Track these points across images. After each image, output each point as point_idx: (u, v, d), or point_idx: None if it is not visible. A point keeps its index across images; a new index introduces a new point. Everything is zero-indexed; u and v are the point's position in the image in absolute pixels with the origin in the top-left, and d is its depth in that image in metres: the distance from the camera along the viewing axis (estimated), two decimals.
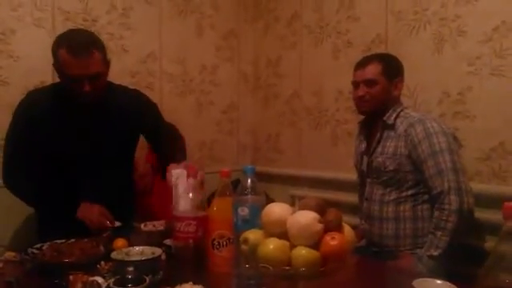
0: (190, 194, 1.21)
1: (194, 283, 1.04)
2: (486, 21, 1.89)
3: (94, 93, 1.54)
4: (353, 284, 1.17)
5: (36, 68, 2.26)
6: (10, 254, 1.35)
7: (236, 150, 3.07)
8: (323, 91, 2.62)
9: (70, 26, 2.36)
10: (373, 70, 1.73)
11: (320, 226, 0.91)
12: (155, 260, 1.22)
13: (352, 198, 2.06)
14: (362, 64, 1.78)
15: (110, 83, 1.72)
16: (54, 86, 1.75)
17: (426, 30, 2.10)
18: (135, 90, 1.89)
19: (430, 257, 1.54)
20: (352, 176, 2.03)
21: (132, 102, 1.76)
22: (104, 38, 2.44)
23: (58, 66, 1.55)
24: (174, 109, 2.75)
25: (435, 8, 2.06)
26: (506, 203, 0.75)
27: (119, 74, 2.52)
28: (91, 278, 0.98)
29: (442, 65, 2.05)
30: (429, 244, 1.56)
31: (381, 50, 2.26)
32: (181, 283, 1.05)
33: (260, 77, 3.07)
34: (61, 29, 2.32)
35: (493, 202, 1.71)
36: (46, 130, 1.59)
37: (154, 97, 2.62)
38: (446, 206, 1.55)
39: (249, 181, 1.14)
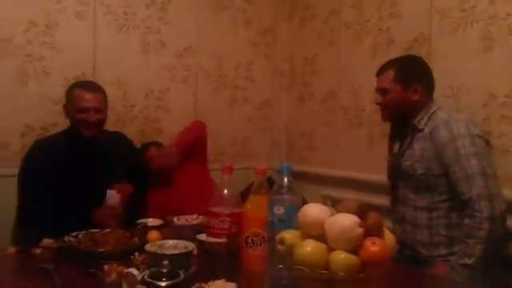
0: (225, 191, 1.20)
1: (227, 280, 1.03)
2: None
3: (97, 125, 1.89)
4: None
5: (77, 60, 2.32)
6: (47, 241, 1.40)
7: (268, 147, 3.05)
8: (361, 90, 2.55)
9: (111, 19, 2.42)
10: (385, 79, 1.73)
11: (360, 230, 0.88)
12: (188, 254, 1.22)
13: (387, 200, 2.00)
14: (378, 72, 1.78)
15: (106, 130, 2.03)
16: (58, 134, 2.01)
17: (473, 28, 2.00)
18: (119, 132, 2.25)
19: (464, 265, 1.46)
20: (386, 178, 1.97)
21: (122, 142, 2.15)
22: (142, 31, 2.51)
23: (70, 103, 1.91)
24: (207, 104, 2.76)
25: (483, 6, 1.96)
26: None
27: (156, 67, 2.57)
28: (126, 270, 0.98)
29: (489, 65, 1.94)
30: (462, 253, 1.49)
31: (424, 48, 2.18)
32: (213, 279, 1.04)
33: (295, 74, 3.03)
34: (102, 22, 2.39)
35: None
36: (52, 170, 1.82)
37: (188, 91, 2.70)
38: (477, 214, 1.46)
39: (285, 179, 1.11)
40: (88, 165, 1.91)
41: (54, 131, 2.10)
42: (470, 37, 2.01)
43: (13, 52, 2.18)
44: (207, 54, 2.75)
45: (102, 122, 1.94)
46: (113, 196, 1.76)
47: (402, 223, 1.72)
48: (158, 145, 2.35)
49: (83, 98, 1.87)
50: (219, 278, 1.05)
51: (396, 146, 1.79)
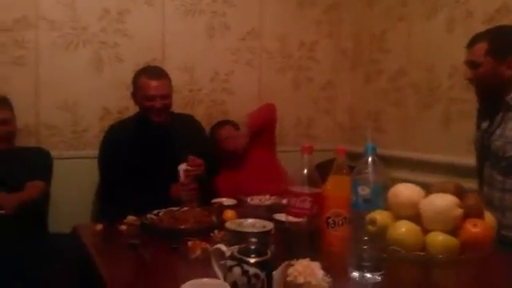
0: (305, 171, 1.18)
1: (311, 259, 1.02)
2: None
3: (164, 111, 1.96)
4: (495, 276, 1.06)
5: (147, 46, 2.40)
6: (131, 218, 1.47)
7: (332, 129, 2.99)
8: (434, 67, 2.40)
9: (178, 4, 2.46)
10: (477, 52, 1.60)
11: (460, 211, 0.83)
12: (268, 233, 1.23)
13: (465, 184, 1.88)
14: (469, 44, 1.66)
15: (172, 111, 2.10)
16: (129, 118, 2.12)
17: None
18: (191, 116, 2.32)
19: None
20: (464, 160, 1.85)
21: (191, 125, 2.22)
22: (208, 16, 2.53)
23: (137, 90, 1.99)
24: (271, 85, 2.75)
25: None
26: None
27: (221, 51, 2.59)
28: (215, 246, 1.00)
29: None
30: None
31: (507, 20, 2.00)
32: (295, 259, 1.03)
33: (361, 52, 2.92)
34: (169, 7, 2.43)
35: None
36: (128, 152, 1.93)
37: (252, 74, 2.70)
38: None
39: (369, 159, 1.08)
40: (159, 146, 1.98)
41: (128, 114, 2.20)
42: None
43: (88, 39, 2.29)
44: (271, 35, 2.72)
45: (169, 107, 2.00)
46: (184, 170, 1.83)
47: (488, 206, 1.61)
48: (232, 123, 2.40)
49: (149, 86, 1.93)
50: (300, 258, 1.04)
51: (485, 124, 1.67)
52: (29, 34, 2.19)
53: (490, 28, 1.70)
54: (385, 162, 2.63)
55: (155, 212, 1.54)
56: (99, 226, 1.43)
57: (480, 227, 0.82)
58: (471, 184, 1.77)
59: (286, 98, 2.79)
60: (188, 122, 2.22)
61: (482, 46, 1.59)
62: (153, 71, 2.01)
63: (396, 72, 2.64)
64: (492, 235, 0.85)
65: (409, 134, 2.58)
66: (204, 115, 2.52)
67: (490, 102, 1.66)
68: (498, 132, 1.58)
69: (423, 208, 0.85)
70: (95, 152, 2.05)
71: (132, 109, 2.18)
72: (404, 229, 0.84)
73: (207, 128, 2.40)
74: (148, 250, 1.25)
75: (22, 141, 2.10)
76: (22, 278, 1.55)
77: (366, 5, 2.85)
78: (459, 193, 0.86)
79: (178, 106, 2.34)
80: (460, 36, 2.18)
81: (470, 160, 1.82)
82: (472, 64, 1.63)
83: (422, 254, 0.82)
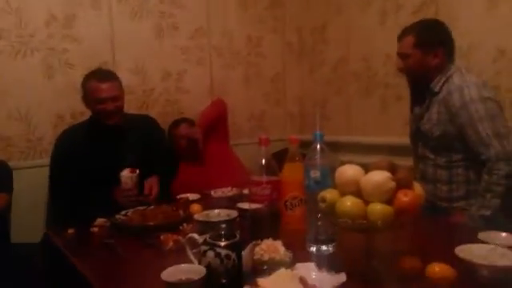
0: (263, 161, 1.32)
1: (273, 239, 1.16)
2: None
3: (116, 113, 1.96)
4: (424, 236, 1.26)
5: (97, 49, 2.41)
6: (100, 220, 1.54)
7: (283, 119, 3.15)
8: (371, 56, 2.62)
9: (125, 7, 2.49)
10: (405, 44, 1.76)
11: (393, 184, 0.99)
12: (234, 220, 1.36)
13: (403, 161, 2.08)
14: (398, 37, 1.81)
15: (125, 113, 2.08)
16: (81, 123, 2.12)
17: None
18: (146, 116, 2.33)
19: (481, 216, 1.58)
20: (401, 140, 2.06)
21: (146, 125, 2.20)
22: (156, 17, 2.59)
23: (87, 95, 1.98)
24: (223, 81, 2.85)
25: None
26: None
27: (171, 50, 2.65)
28: (189, 235, 1.11)
29: (497, 21, 2.01)
30: (479, 204, 1.60)
31: (431, 11, 2.24)
32: (262, 239, 1.17)
33: (305, 45, 3.09)
34: (117, 11, 2.46)
35: None
36: (80, 157, 1.94)
37: (204, 71, 2.79)
38: (495, 172, 1.56)
39: (318, 146, 1.23)
40: (112, 149, 1.99)
41: (82, 119, 2.21)
42: None
43: (37, 46, 2.27)
44: (218, 33, 2.82)
45: (121, 108, 2.00)
46: (125, 177, 1.82)
47: (422, 179, 1.83)
48: (187, 121, 2.46)
49: (99, 88, 1.92)
50: (264, 238, 1.18)
51: (417, 109, 1.86)
52: None
53: (416, 21, 1.85)
54: (332, 146, 2.86)
55: (123, 212, 1.62)
56: (71, 230, 1.49)
57: (409, 196, 0.99)
58: (408, 161, 1.99)
59: (238, 92, 2.92)
60: (143, 121, 2.23)
61: (409, 39, 1.75)
62: (102, 74, 2.00)
63: (337, 62, 2.85)
64: (420, 202, 1.03)
65: (352, 119, 2.80)
66: (159, 115, 2.57)
67: (419, 88, 1.83)
68: (426, 116, 1.77)
69: (363, 184, 1.01)
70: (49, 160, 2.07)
71: (87, 113, 2.19)
72: (349, 203, 1.00)
73: (164, 127, 2.46)
74: (122, 248, 1.34)
75: None
76: None
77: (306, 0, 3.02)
78: (392, 168, 1.03)
79: (132, 108, 2.39)
80: (392, 27, 2.41)
81: (406, 140, 2.03)
82: (402, 55, 1.79)
83: (364, 222, 0.98)
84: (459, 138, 1.67)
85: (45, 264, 1.62)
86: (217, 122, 2.45)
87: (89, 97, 1.97)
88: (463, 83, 1.66)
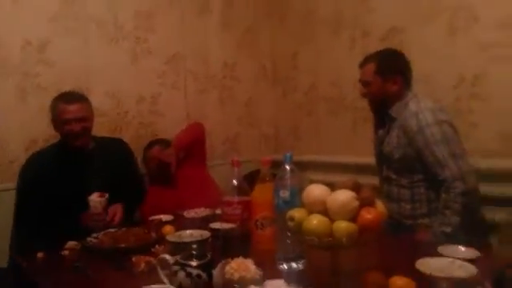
0: (234, 181, 1.35)
1: (244, 257, 1.19)
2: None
3: (83, 134, 1.96)
4: (387, 251, 1.31)
5: (72, 74, 2.42)
6: (72, 243, 1.53)
7: (258, 141, 3.21)
8: (340, 81, 2.73)
9: (101, 33, 2.52)
10: (367, 71, 1.87)
11: (357, 203, 1.05)
12: (206, 241, 1.37)
13: (370, 180, 2.15)
14: (360, 64, 1.92)
15: (96, 136, 2.11)
16: (50, 146, 2.10)
17: (441, 17, 2.20)
18: (118, 139, 2.31)
19: (443, 233, 1.65)
20: (368, 159, 2.14)
21: (116, 149, 2.19)
22: (131, 42, 2.63)
23: (55, 117, 1.97)
24: (198, 105, 2.90)
25: None
26: None
27: (147, 74, 2.69)
28: (160, 256, 1.13)
29: (457, 50, 2.15)
30: (441, 221, 1.67)
31: (398, 38, 2.37)
32: (232, 258, 1.19)
33: (278, 70, 3.19)
34: (93, 37, 2.49)
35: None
36: (48, 181, 1.91)
37: (179, 95, 2.84)
38: (452, 190, 1.65)
39: (287, 167, 1.28)
40: (80, 173, 1.97)
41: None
42: (437, 26, 2.20)
43: (10, 71, 2.27)
44: (194, 58, 2.88)
45: (87, 129, 2.00)
46: (94, 202, 1.81)
47: (388, 199, 1.91)
48: (162, 142, 2.46)
49: (66, 110, 1.93)
50: (235, 257, 1.20)
51: (380, 132, 1.96)
52: None
53: (377, 51, 1.95)
54: (304, 166, 2.94)
55: (94, 235, 1.61)
56: (40, 254, 1.47)
57: (372, 214, 1.05)
58: (375, 180, 2.06)
59: (213, 115, 2.96)
60: (113, 145, 2.21)
61: (370, 67, 1.86)
62: (69, 95, 2.00)
63: (309, 87, 2.95)
64: (382, 219, 1.08)
65: (322, 139, 2.89)
66: (133, 137, 2.58)
67: (381, 113, 1.93)
68: (386, 139, 1.87)
69: (329, 203, 1.06)
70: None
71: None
72: (315, 221, 1.04)
73: (139, 150, 2.47)
74: (93, 271, 1.33)
75: None
76: None
77: (278, 28, 3.14)
78: (356, 188, 1.08)
79: (105, 130, 2.40)
80: (360, 53, 2.52)
81: (373, 159, 2.10)
82: (364, 82, 1.89)
83: (330, 239, 1.02)
84: (418, 159, 1.75)
85: None
86: (192, 145, 2.46)
87: (56, 118, 1.96)
88: (418, 109, 1.76)
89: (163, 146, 2.43)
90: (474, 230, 1.72)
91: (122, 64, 2.61)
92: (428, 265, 1.08)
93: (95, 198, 1.81)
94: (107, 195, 1.84)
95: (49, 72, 2.37)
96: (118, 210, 1.89)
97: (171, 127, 2.65)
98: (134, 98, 2.67)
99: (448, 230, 1.64)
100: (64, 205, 1.85)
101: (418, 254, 1.13)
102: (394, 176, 1.87)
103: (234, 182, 1.35)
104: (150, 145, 2.47)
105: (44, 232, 1.79)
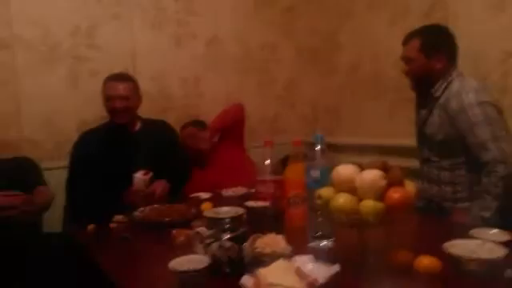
0: (268, 161, 1.40)
1: (276, 234, 1.24)
2: None
3: (124, 112, 2.06)
4: (413, 232, 1.32)
5: (119, 58, 2.55)
6: (119, 217, 1.66)
7: (296, 122, 3.23)
8: (381, 60, 2.67)
9: (145, 18, 2.63)
10: (410, 48, 1.82)
11: (384, 182, 1.07)
12: (241, 217, 1.43)
13: (412, 163, 2.13)
14: (403, 41, 1.87)
15: (142, 118, 2.22)
16: (100, 125, 2.21)
17: None
18: (162, 121, 2.37)
19: (482, 218, 1.61)
20: (410, 142, 2.11)
21: (161, 130, 2.28)
22: (173, 26, 2.71)
23: (103, 93, 2.09)
24: (238, 87, 2.96)
25: None
26: None
27: (188, 58, 2.78)
28: (196, 229, 1.21)
29: (503, 24, 2.04)
30: (480, 206, 1.64)
31: (440, 15, 2.28)
32: (264, 234, 1.25)
33: (318, 50, 3.17)
34: (138, 21, 2.60)
35: None
36: (96, 159, 2.02)
37: (218, 77, 2.90)
38: (493, 174, 1.60)
39: (318, 147, 1.31)
40: (126, 151, 2.08)
41: None
42: None
43: (62, 56, 2.43)
44: (232, 40, 2.93)
45: (129, 108, 2.08)
46: (138, 179, 1.91)
47: (428, 181, 1.88)
48: (196, 123, 2.53)
49: (109, 87, 2.06)
50: (267, 233, 1.26)
51: (422, 112, 1.91)
52: (5, 54, 2.32)
53: (421, 26, 1.90)
54: (342, 148, 2.91)
55: (141, 209, 1.73)
56: (91, 226, 1.61)
57: (400, 193, 1.06)
58: (415, 163, 2.03)
59: (252, 97, 3.01)
60: (158, 126, 2.30)
61: (415, 43, 1.81)
62: (116, 75, 2.13)
63: (349, 67, 2.91)
64: (411, 199, 1.09)
65: (362, 121, 2.86)
66: (177, 120, 2.67)
67: (424, 92, 1.88)
68: (429, 120, 1.83)
69: (357, 182, 1.08)
70: None
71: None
72: (342, 199, 1.08)
73: None
74: (138, 242, 1.45)
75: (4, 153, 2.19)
76: (23, 278, 1.70)
77: (318, 4, 3.10)
78: (384, 168, 1.10)
79: (151, 113, 2.51)
80: (400, 31, 2.45)
81: (413, 142, 2.07)
82: (406, 59, 1.85)
83: (356, 217, 1.05)
84: (460, 141, 1.71)
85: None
86: (232, 126, 2.52)
87: (103, 96, 2.10)
88: (461, 88, 1.71)
89: (198, 127, 2.50)
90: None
91: (166, 47, 2.71)
92: (458, 246, 1.08)
93: (140, 176, 1.91)
94: (151, 174, 1.94)
95: (98, 56, 2.51)
96: (159, 185, 1.98)
97: (212, 109, 2.73)
98: (177, 81, 2.77)
99: (487, 214, 1.61)
100: (110, 181, 1.95)
101: (449, 236, 1.14)
102: (435, 158, 1.83)
103: (267, 161, 1.40)
104: (185, 126, 2.54)
105: (93, 206, 1.90)
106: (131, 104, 2.10)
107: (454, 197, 1.79)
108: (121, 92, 2.05)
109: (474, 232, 1.17)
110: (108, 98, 2.06)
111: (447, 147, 1.77)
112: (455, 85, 1.74)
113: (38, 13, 2.37)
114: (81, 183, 2.03)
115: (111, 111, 2.08)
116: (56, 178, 2.34)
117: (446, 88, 1.77)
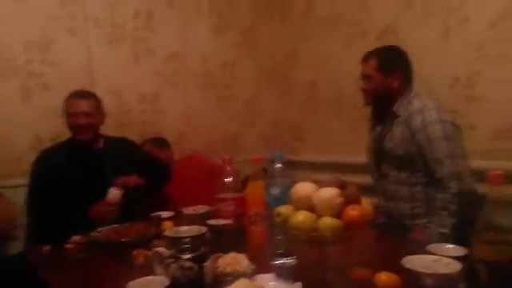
0: (228, 179, 1.41)
1: (238, 252, 1.25)
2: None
3: (88, 129, 2.05)
4: (371, 248, 1.36)
5: (75, 73, 2.50)
6: (76, 237, 1.60)
7: (257, 141, 3.26)
8: (339, 80, 2.77)
9: (101, 33, 2.59)
10: (368, 66, 1.90)
11: (341, 199, 1.10)
12: (202, 236, 1.43)
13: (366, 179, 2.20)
14: (362, 59, 1.95)
15: (104, 135, 2.21)
16: (61, 143, 2.18)
17: (434, 19, 2.22)
18: (125, 138, 2.37)
19: (440, 234, 1.66)
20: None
21: (125, 148, 2.26)
22: (131, 41, 2.69)
23: (65, 112, 2.07)
24: (198, 104, 2.96)
25: None
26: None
27: (146, 74, 2.76)
28: (155, 249, 1.19)
29: (450, 51, 2.17)
30: (437, 222, 1.69)
31: (391, 39, 2.40)
32: (226, 252, 1.25)
33: (278, 69, 3.24)
34: (93, 37, 2.56)
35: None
36: (56, 177, 1.99)
37: (178, 94, 2.89)
38: (448, 190, 1.67)
39: (278, 165, 1.33)
40: (89, 169, 2.05)
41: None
42: (432, 27, 2.23)
43: (15, 70, 2.35)
44: (193, 57, 2.95)
45: (92, 125, 2.08)
46: (114, 193, 1.91)
47: (385, 197, 1.93)
48: (155, 141, 2.54)
49: (73, 104, 2.05)
50: (228, 252, 1.26)
51: (378, 128, 1.97)
52: None
53: (379, 46, 1.99)
54: (306, 166, 2.96)
55: (98, 229, 1.68)
56: (47, 247, 1.55)
57: (357, 210, 1.10)
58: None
59: (212, 114, 3.02)
60: (122, 144, 2.29)
61: (372, 62, 1.89)
62: (78, 92, 2.13)
63: (308, 86, 3.00)
64: (368, 216, 1.13)
65: (322, 139, 2.93)
66: (136, 136, 2.64)
67: (380, 109, 1.96)
68: (388, 136, 1.89)
69: (315, 199, 1.12)
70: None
71: (67, 136, 2.25)
72: (301, 217, 1.10)
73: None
74: (95, 263, 1.41)
75: None
76: None
77: (278, 27, 3.19)
78: (341, 185, 1.14)
79: (109, 130, 2.47)
80: (357, 52, 2.56)
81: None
82: (365, 77, 1.92)
83: (315, 234, 1.08)
84: (420, 156, 1.77)
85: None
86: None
87: (65, 112, 2.07)
88: (423, 106, 1.78)
89: (158, 145, 2.50)
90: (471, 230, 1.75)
91: (124, 63, 2.68)
92: (415, 262, 1.11)
93: (114, 190, 1.91)
94: (123, 191, 1.94)
95: (53, 71, 2.45)
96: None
97: (172, 125, 2.74)
98: (136, 97, 2.74)
99: (445, 230, 1.66)
100: (73, 200, 1.92)
101: (407, 252, 1.18)
102: (393, 172, 1.87)
103: (227, 179, 1.41)
104: (144, 143, 2.54)
105: (52, 225, 1.85)
106: (94, 121, 2.09)
107: (412, 213, 1.83)
108: (84, 109, 2.05)
109: (430, 247, 1.22)
110: (71, 115, 2.05)
111: (407, 162, 1.82)
112: (416, 102, 1.81)
113: None
114: (42, 202, 1.98)
115: (74, 127, 2.05)
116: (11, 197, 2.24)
117: (406, 106, 1.84)
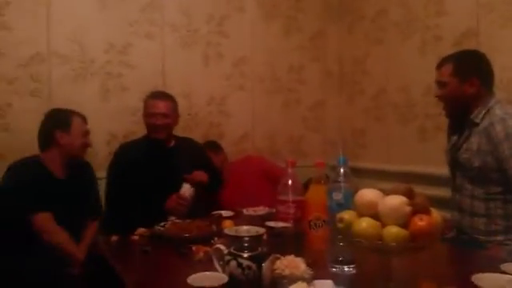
0: (290, 181, 1.40)
1: (296, 256, 1.23)
2: None
3: (164, 129, 2.14)
4: (438, 261, 1.27)
5: (149, 75, 2.63)
6: (141, 230, 1.68)
7: (322, 146, 3.21)
8: (410, 87, 2.65)
9: (176, 37, 2.71)
10: (444, 72, 1.79)
11: (408, 208, 1.04)
12: (260, 237, 1.43)
13: (441, 192, 2.06)
14: (437, 65, 1.84)
15: (176, 135, 2.29)
16: (139, 139, 2.28)
17: None
18: (190, 139, 2.45)
19: None
20: (440, 170, 2.06)
21: (193, 147, 2.36)
22: (203, 46, 2.78)
23: (143, 111, 2.19)
24: (264, 107, 2.98)
25: None
26: None
27: (216, 77, 2.83)
28: (215, 246, 1.20)
29: None
30: None
31: (472, 42, 2.25)
32: (283, 255, 1.24)
33: (345, 74, 3.17)
34: (169, 41, 2.69)
35: None
36: (133, 170, 2.10)
37: (245, 97, 2.94)
38: None
39: (341, 170, 1.29)
40: (163, 165, 2.15)
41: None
42: None
43: (96, 71, 2.53)
44: (260, 61, 2.98)
45: (169, 126, 2.17)
46: (187, 188, 2.01)
47: (459, 211, 1.80)
48: (211, 146, 2.60)
49: (151, 105, 2.15)
50: (286, 255, 1.24)
51: (454, 138, 1.85)
52: (42, 68, 2.43)
53: (455, 51, 1.87)
54: (370, 174, 2.87)
55: (162, 224, 1.74)
56: (114, 237, 1.64)
57: (425, 221, 1.03)
58: (442, 192, 1.97)
59: (278, 117, 3.03)
60: (190, 144, 2.38)
61: (448, 67, 1.77)
62: (157, 93, 2.25)
63: (376, 92, 2.89)
64: (437, 228, 1.05)
65: (390, 147, 2.81)
66: (201, 137, 2.73)
67: (457, 117, 1.84)
68: (464, 146, 1.76)
69: (380, 207, 1.06)
70: (104, 173, 2.25)
71: (139, 133, 2.35)
72: (365, 223, 1.05)
73: None
74: (158, 255, 1.46)
75: None
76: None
77: (348, 31, 3.12)
78: (409, 194, 1.07)
79: (177, 130, 2.56)
80: (432, 58, 2.43)
81: (445, 170, 2.00)
82: (440, 83, 1.81)
83: (379, 242, 1.02)
84: (498, 169, 1.65)
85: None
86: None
87: (144, 112, 2.19)
88: (505, 115, 1.65)
89: (213, 150, 2.56)
90: None
91: (195, 66, 2.77)
92: (487, 280, 1.03)
93: (188, 186, 2.02)
94: (194, 189, 2.04)
95: (130, 73, 2.60)
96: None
97: (237, 128, 2.77)
98: (204, 99, 2.82)
99: None
100: (146, 192, 2.03)
101: (478, 269, 1.09)
102: (468, 186, 1.76)
103: (289, 181, 1.40)
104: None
105: (128, 215, 1.97)
106: (170, 121, 2.18)
107: (488, 229, 1.70)
108: (162, 110, 2.14)
109: (505, 266, 1.12)
110: (149, 115, 2.14)
111: (482, 175, 1.70)
112: (497, 111, 1.68)
113: (75, 31, 2.48)
114: (120, 191, 2.10)
115: (151, 127, 2.16)
116: None
117: (485, 114, 1.71)
